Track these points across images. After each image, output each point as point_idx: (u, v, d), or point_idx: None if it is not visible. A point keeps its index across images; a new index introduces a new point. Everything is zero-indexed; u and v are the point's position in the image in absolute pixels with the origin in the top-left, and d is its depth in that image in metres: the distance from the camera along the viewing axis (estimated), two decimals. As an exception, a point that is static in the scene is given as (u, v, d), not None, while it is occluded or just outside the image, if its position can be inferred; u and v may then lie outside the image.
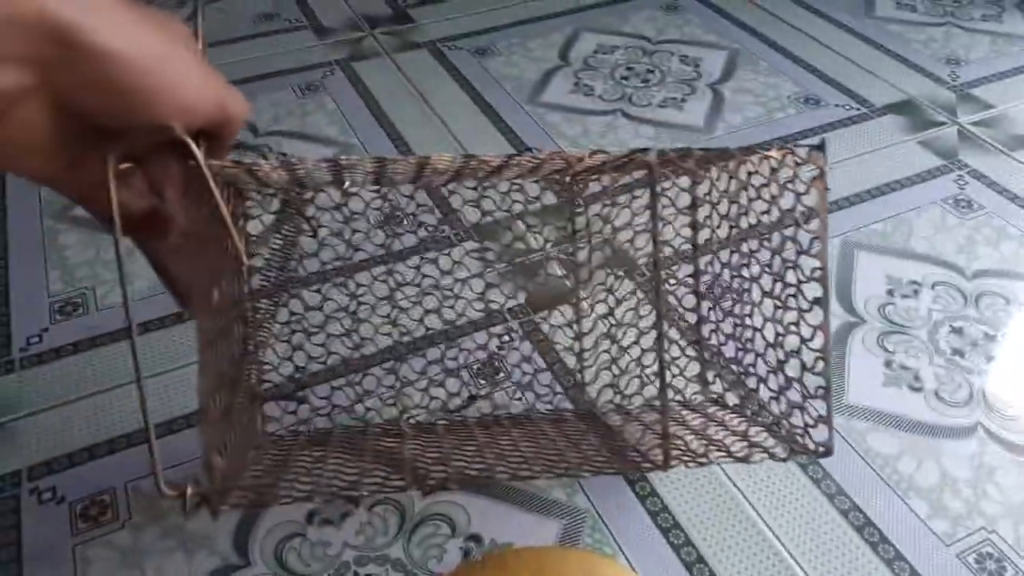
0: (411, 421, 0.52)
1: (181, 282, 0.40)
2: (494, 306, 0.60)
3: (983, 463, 0.51)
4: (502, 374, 0.56)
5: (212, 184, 0.34)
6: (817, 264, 0.40)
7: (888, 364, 0.57)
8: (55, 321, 0.61)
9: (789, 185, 0.41)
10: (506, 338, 0.58)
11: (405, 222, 0.65)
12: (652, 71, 0.88)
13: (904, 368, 0.57)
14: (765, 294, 0.45)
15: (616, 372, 0.52)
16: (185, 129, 0.32)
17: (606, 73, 0.88)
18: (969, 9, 0.98)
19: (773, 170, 0.42)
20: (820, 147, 0.39)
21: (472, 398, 0.54)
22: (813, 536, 0.47)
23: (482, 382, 0.55)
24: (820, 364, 0.41)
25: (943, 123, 0.80)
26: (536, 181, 0.36)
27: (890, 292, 0.62)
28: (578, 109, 0.82)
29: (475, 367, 0.56)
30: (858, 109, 0.82)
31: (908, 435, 0.53)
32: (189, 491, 0.36)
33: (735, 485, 0.50)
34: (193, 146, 0.33)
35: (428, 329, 0.58)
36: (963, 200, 0.71)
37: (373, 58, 0.90)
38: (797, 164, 0.40)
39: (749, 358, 0.48)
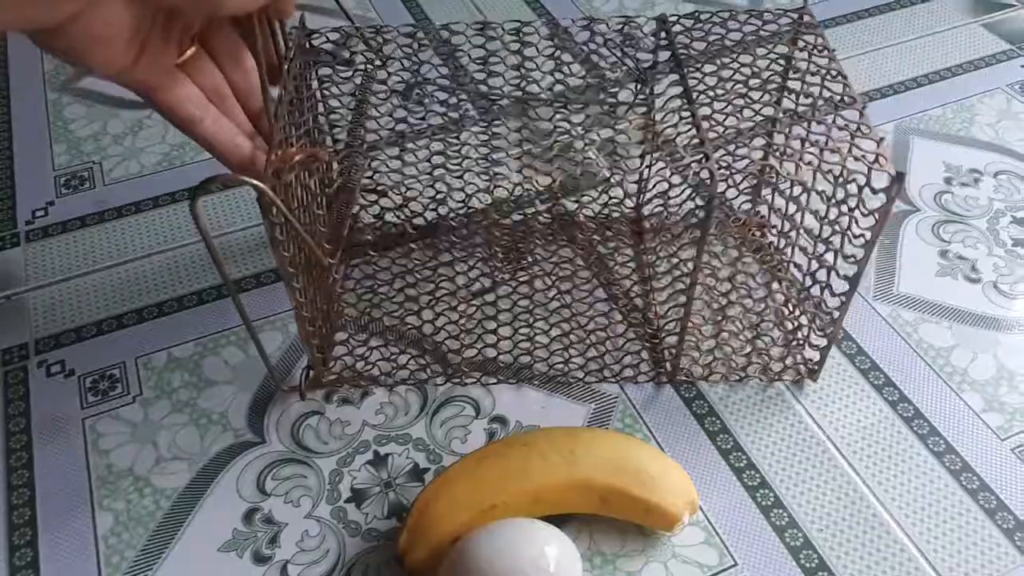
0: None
1: None
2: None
3: (1043, 357, 0.48)
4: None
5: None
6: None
7: (943, 254, 0.53)
8: (61, 195, 0.58)
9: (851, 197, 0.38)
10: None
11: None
12: (694, -55, 0.81)
13: (961, 258, 0.53)
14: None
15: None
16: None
17: (644, -53, 0.81)
18: None
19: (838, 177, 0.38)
20: (899, 178, 0.35)
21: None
22: (860, 428, 0.45)
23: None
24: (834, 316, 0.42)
25: (1011, 5, 0.73)
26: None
27: (948, 180, 0.58)
28: (614, -16, 0.76)
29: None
30: (918, -11, 0.75)
31: (963, 327, 0.49)
32: (303, 385, 0.45)
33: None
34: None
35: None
36: (1030, 86, 0.65)
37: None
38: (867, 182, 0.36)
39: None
